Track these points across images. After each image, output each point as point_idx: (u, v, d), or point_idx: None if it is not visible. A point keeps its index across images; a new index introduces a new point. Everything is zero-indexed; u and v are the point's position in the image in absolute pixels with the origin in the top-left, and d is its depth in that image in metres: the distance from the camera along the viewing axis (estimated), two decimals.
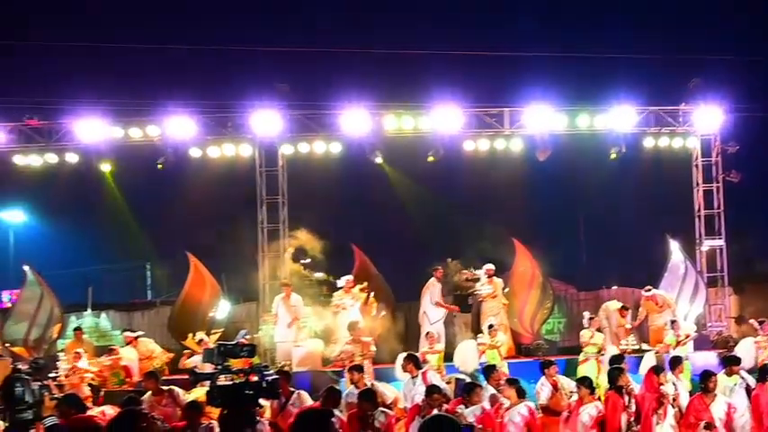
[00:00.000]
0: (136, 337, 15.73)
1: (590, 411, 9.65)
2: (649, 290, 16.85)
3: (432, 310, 16.36)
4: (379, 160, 18.16)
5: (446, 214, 22.87)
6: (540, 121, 17.92)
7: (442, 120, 17.87)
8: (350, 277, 16.11)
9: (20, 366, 4.71)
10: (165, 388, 10.78)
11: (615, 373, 10.10)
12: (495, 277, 16.66)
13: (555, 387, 10.87)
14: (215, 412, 8.79)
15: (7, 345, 16.12)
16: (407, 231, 22.57)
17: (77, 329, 16.34)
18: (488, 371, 11.13)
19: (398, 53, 20.85)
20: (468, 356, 14.48)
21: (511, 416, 9.44)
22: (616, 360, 11.52)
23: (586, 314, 15.03)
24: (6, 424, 5.22)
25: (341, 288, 15.98)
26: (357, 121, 17.76)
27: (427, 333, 15.08)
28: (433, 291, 16.43)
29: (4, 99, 18.04)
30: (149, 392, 10.77)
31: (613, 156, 18.12)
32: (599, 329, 14.94)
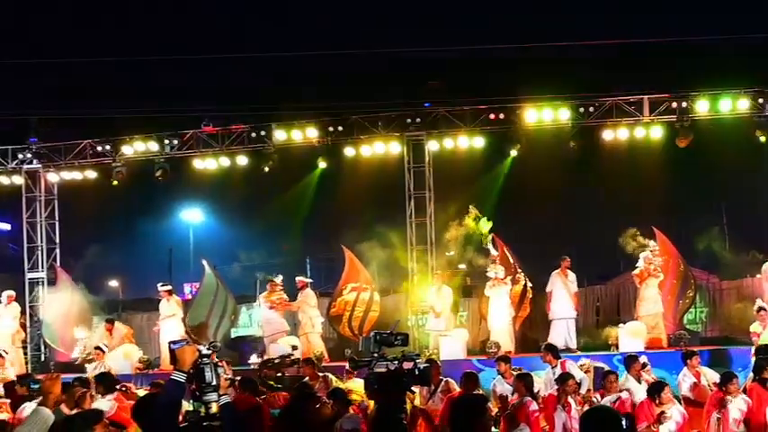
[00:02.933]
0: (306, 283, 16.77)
1: (739, 406, 9.13)
2: None
3: (555, 302, 15.98)
4: (517, 153, 18.06)
5: (586, 204, 22.39)
6: (680, 107, 17.18)
7: (580, 110, 17.50)
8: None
9: (203, 350, 5.06)
10: (320, 374, 11.24)
11: (762, 363, 9.57)
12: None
13: (698, 378, 10.49)
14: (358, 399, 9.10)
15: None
16: (548, 221, 22.26)
17: None
18: (629, 360, 10.84)
19: (537, 46, 20.62)
20: None
21: (672, 414, 8.83)
22: (763, 351, 10.88)
23: (758, 302, 13.97)
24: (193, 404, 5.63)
25: (492, 264, 16.02)
26: (498, 115, 17.72)
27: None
28: (554, 281, 16.04)
29: (185, 108, 19.29)
30: (306, 377, 11.27)
31: (762, 139, 17.03)
32: None
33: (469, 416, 4.66)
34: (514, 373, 10.65)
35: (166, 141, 18.86)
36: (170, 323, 16.92)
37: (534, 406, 9.12)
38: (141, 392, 12.10)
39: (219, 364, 5.16)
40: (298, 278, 17.23)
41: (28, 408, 9.17)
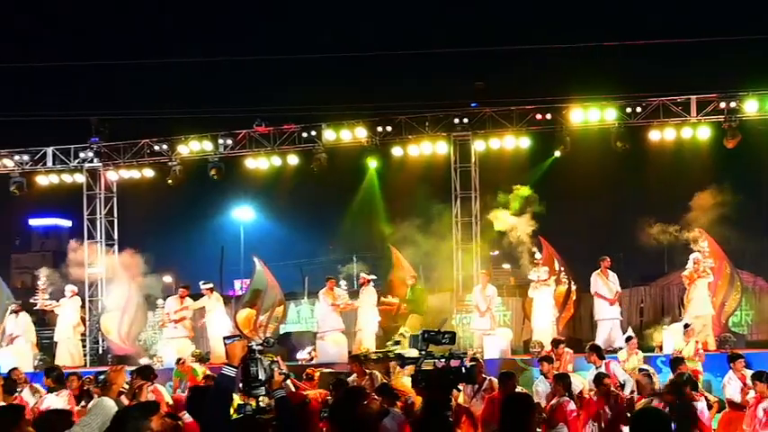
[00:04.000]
0: (369, 280, 16.81)
1: (765, 406, 8.91)
2: None
3: (598, 303, 15.73)
4: (563, 153, 17.87)
5: (631, 204, 22.07)
6: (729, 107, 16.79)
7: (627, 110, 17.22)
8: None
9: (253, 346, 5.14)
10: (367, 371, 11.25)
11: None
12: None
13: (743, 381, 10.23)
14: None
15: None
16: (593, 222, 21.96)
17: None
18: (675, 363, 10.64)
19: (584, 47, 20.43)
20: None
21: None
22: None
23: None
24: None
25: (535, 266, 15.91)
26: (544, 116, 17.55)
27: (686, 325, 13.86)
28: (595, 281, 15.80)
29: (237, 109, 19.52)
30: (354, 374, 11.29)
31: None
32: None
33: (519, 414, 4.67)
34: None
35: (220, 141, 19.10)
36: (214, 319, 17.15)
37: (572, 406, 9.02)
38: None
39: (275, 359, 5.21)
40: (361, 275, 17.31)
41: (47, 400, 9.42)
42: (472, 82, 19.03)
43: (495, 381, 10.37)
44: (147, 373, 10.20)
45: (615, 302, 15.74)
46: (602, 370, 10.96)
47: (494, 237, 17.43)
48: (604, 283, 15.80)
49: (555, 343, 13.60)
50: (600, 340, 14.65)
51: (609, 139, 17.77)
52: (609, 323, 15.47)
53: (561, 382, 9.23)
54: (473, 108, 18.10)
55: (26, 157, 19.92)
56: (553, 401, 9.19)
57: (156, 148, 19.58)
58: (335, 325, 16.49)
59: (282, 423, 5.00)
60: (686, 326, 13.80)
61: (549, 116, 17.69)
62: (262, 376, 5.05)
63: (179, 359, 14.53)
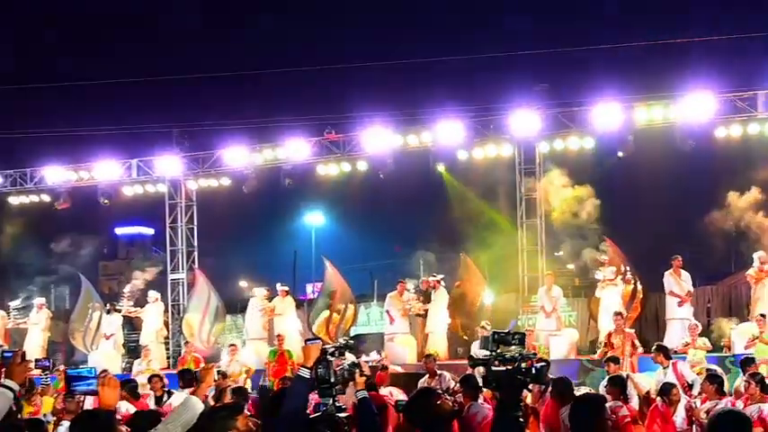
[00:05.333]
0: (438, 281, 16.74)
1: None
2: None
3: (670, 303, 15.41)
4: (628, 152, 17.53)
5: (697, 204, 21.45)
6: None
7: (693, 108, 16.78)
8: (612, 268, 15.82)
9: (328, 349, 5.27)
10: (438, 372, 11.25)
11: None
12: None
13: None
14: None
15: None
16: (659, 221, 21.44)
17: None
18: (746, 363, 10.33)
19: (648, 44, 20.06)
20: None
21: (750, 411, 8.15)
22: None
23: None
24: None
25: (600, 267, 15.69)
26: (608, 116, 17.26)
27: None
28: (668, 281, 15.49)
29: (310, 117, 19.77)
30: (427, 375, 11.30)
31: None
32: None
33: (590, 414, 4.64)
34: (624, 374, 10.36)
35: (293, 149, 19.35)
36: (286, 321, 17.43)
37: (624, 411, 8.74)
38: None
39: (357, 361, 5.30)
40: (430, 278, 17.31)
41: (88, 400, 9.71)
42: (536, 83, 18.87)
43: None
44: (190, 376, 10.39)
45: (687, 302, 15.40)
46: (670, 370, 10.76)
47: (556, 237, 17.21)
48: (677, 283, 15.50)
49: (615, 312, 13.54)
50: (668, 340, 14.34)
51: (673, 137, 17.38)
52: (679, 323, 15.11)
53: (614, 385, 8.99)
54: (537, 109, 17.90)
55: (114, 169, 20.55)
56: (607, 405, 8.95)
57: (233, 157, 19.95)
58: (403, 328, 16.58)
59: (363, 423, 5.10)
60: (763, 315, 13.37)
61: (612, 115, 17.33)
62: (331, 378, 5.14)
63: (278, 335, 15.21)
